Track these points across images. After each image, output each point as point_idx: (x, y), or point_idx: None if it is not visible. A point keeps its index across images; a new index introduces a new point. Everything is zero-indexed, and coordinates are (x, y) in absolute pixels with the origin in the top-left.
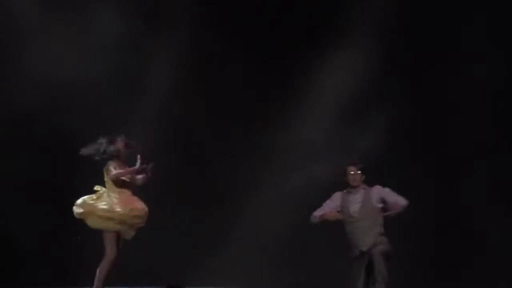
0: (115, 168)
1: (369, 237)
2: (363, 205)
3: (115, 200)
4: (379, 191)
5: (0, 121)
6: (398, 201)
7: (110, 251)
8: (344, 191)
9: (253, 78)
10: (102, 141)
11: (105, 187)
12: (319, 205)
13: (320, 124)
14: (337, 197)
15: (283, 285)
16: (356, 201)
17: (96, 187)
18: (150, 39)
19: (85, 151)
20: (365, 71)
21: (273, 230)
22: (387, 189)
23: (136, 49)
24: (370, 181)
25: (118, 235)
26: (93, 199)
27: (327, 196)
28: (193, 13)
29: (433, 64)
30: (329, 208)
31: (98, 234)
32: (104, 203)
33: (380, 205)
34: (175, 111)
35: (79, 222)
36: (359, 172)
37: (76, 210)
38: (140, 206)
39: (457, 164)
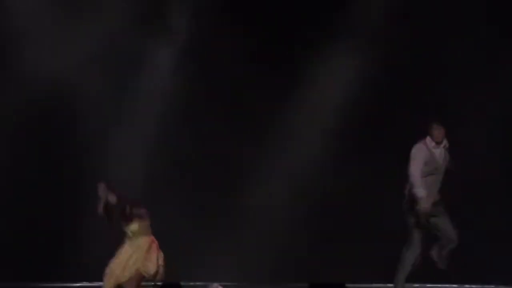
0: None
1: (438, 189)
2: (445, 159)
3: None
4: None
5: (7, 120)
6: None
7: None
8: (428, 142)
9: (254, 76)
10: None
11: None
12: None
13: (321, 118)
14: (423, 149)
15: (285, 280)
16: (441, 154)
17: None
18: (151, 35)
19: None
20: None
21: (274, 224)
22: None
23: (137, 46)
24: None
25: None
26: None
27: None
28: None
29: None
30: (421, 160)
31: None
32: None
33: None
34: (175, 106)
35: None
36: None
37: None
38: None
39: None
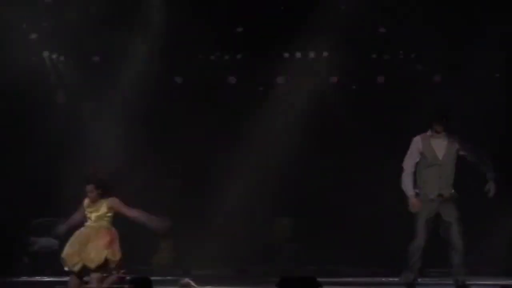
0: None
1: (448, 183)
2: (448, 150)
3: None
4: (460, 141)
5: None
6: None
7: None
8: (427, 134)
9: (230, 71)
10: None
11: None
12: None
13: (289, 119)
14: (417, 141)
15: (257, 273)
16: (441, 145)
17: None
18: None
19: None
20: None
21: (247, 218)
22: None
23: (115, 39)
24: None
25: None
26: None
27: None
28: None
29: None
30: (416, 155)
31: None
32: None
33: (462, 153)
34: (148, 99)
35: None
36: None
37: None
38: None
39: None
